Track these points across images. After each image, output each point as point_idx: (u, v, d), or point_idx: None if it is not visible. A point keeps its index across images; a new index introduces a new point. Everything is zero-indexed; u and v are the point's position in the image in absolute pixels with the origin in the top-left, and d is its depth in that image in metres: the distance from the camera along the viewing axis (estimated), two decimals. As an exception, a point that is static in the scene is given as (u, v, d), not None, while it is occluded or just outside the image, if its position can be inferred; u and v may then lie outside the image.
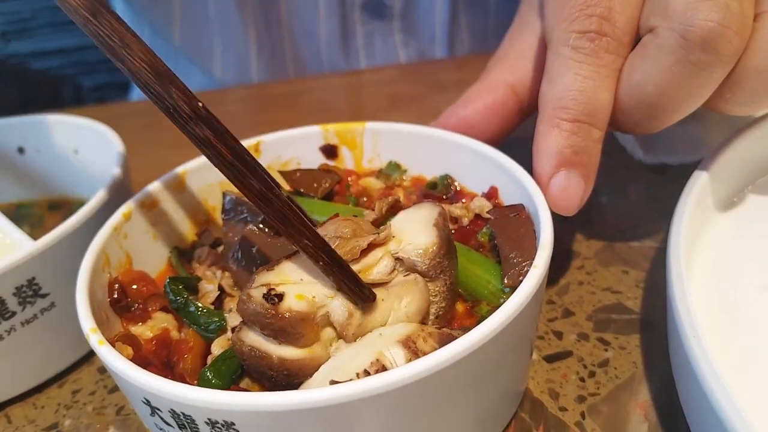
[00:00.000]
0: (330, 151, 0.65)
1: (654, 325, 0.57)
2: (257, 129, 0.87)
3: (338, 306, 0.43)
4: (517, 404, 0.51)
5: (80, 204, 0.76)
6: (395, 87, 1.11)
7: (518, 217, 0.52)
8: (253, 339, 0.44)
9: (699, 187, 0.56)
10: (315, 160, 0.65)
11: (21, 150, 0.77)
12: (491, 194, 0.57)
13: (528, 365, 0.52)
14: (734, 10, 0.46)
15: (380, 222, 0.52)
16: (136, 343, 0.48)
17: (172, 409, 0.39)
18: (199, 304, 0.50)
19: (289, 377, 0.43)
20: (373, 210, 0.54)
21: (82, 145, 0.75)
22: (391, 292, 0.45)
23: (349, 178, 0.64)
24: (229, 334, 0.49)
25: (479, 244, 0.54)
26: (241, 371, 0.46)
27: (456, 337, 0.43)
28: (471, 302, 0.50)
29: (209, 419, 0.38)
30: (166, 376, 0.46)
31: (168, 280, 0.52)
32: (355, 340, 0.43)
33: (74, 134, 0.75)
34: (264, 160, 0.64)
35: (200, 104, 0.39)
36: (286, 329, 0.42)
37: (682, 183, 0.57)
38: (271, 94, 1.11)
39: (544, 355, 0.56)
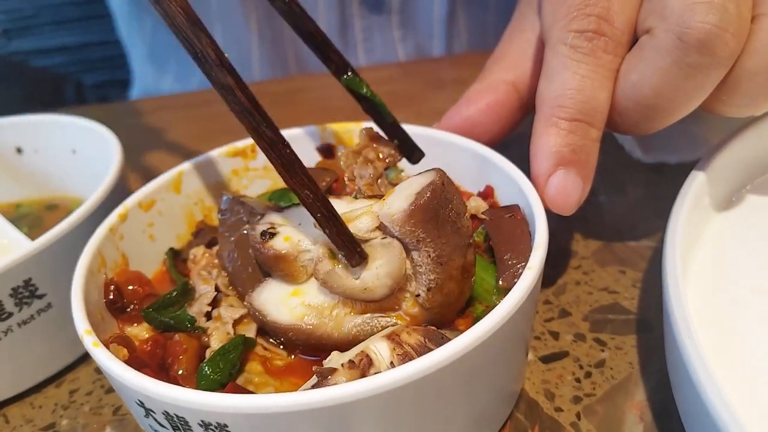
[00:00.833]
0: (327, 150, 0.65)
1: (650, 326, 0.57)
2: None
3: (318, 248, 0.47)
4: (512, 405, 0.51)
5: (78, 203, 0.76)
6: (394, 85, 1.11)
7: (513, 218, 0.52)
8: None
9: (696, 188, 0.56)
10: (312, 159, 0.64)
11: (19, 150, 0.77)
12: (487, 194, 0.57)
13: (523, 366, 0.52)
14: (731, 13, 0.46)
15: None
16: (131, 344, 0.48)
17: (165, 411, 0.39)
18: (178, 313, 0.51)
19: None
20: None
21: (80, 145, 0.75)
22: (366, 252, 0.45)
23: (345, 177, 0.64)
24: (228, 327, 0.49)
25: (475, 244, 0.54)
26: (240, 367, 0.46)
27: (442, 335, 0.44)
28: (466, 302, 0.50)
29: (202, 421, 0.38)
30: (161, 378, 0.46)
31: (143, 314, 0.51)
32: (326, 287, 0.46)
33: (72, 134, 0.75)
34: (262, 161, 0.64)
35: (226, 54, 0.42)
36: (267, 263, 0.48)
37: (680, 182, 0.57)
38: (271, 92, 1.11)
39: (540, 356, 0.56)
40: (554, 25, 0.53)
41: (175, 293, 0.52)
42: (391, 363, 0.42)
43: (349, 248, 0.44)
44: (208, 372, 0.45)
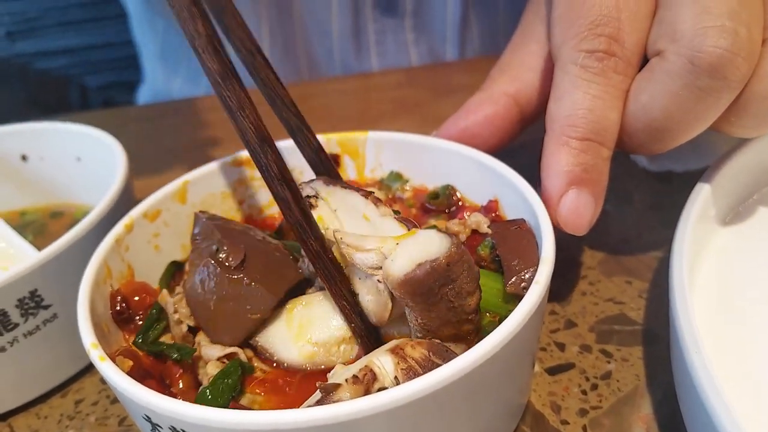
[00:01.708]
0: (332, 160, 0.65)
1: (657, 337, 0.57)
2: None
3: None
4: (518, 418, 0.51)
5: (83, 211, 0.76)
6: (401, 91, 1.10)
7: (519, 230, 0.52)
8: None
9: (702, 199, 0.56)
10: (317, 169, 0.64)
11: (24, 157, 0.78)
12: (491, 207, 0.57)
13: (530, 378, 0.52)
14: (743, 37, 0.46)
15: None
16: (136, 355, 0.49)
17: (172, 426, 0.39)
18: (165, 343, 0.51)
19: None
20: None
21: (84, 152, 0.75)
22: (366, 284, 0.47)
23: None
24: (213, 363, 0.48)
25: (480, 257, 0.54)
26: (240, 388, 0.46)
27: (446, 348, 0.44)
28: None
29: (209, 437, 0.38)
30: (164, 390, 0.46)
31: (133, 344, 0.51)
32: None
33: (77, 142, 0.75)
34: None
35: (286, 167, 0.47)
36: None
37: (687, 191, 0.57)
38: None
39: (546, 367, 0.55)
40: (564, 44, 0.53)
41: (154, 310, 0.52)
42: (395, 378, 0.42)
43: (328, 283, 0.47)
44: (209, 396, 0.44)
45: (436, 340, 0.44)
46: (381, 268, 0.45)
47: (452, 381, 0.38)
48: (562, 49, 0.54)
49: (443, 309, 0.44)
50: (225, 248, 0.50)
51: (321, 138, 0.64)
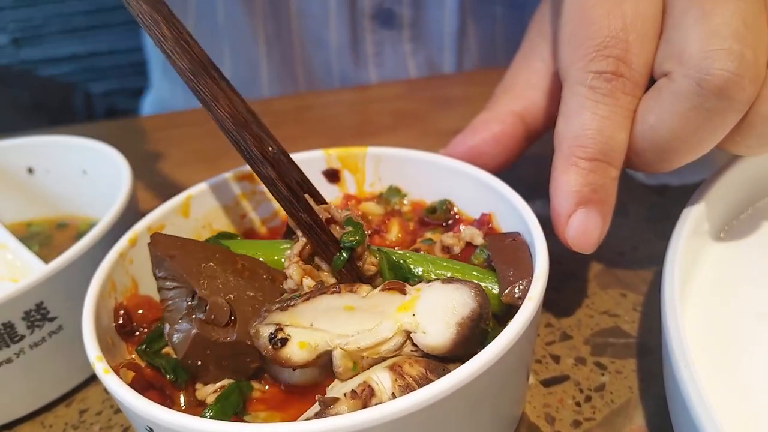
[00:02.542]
0: (332, 175, 0.66)
1: (650, 350, 0.58)
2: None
3: (337, 357, 0.45)
4: (513, 429, 0.52)
5: (88, 223, 0.78)
6: (401, 103, 1.12)
7: (514, 242, 0.53)
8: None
9: (696, 213, 0.57)
10: (318, 184, 0.65)
11: (30, 170, 0.79)
12: (485, 221, 0.58)
13: (525, 390, 0.53)
14: (749, 60, 0.47)
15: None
16: (137, 367, 0.50)
17: (175, 439, 0.40)
18: (165, 358, 0.51)
19: None
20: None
21: (90, 166, 0.76)
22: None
23: (348, 203, 0.65)
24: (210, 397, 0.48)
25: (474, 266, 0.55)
26: (243, 406, 0.47)
27: (444, 366, 0.45)
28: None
29: (211, 449, 0.39)
30: (165, 400, 0.47)
31: (136, 351, 0.52)
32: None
33: (83, 155, 0.76)
34: (268, 183, 0.66)
35: (270, 149, 0.49)
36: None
37: (682, 204, 0.58)
38: (277, 110, 1.12)
39: (542, 379, 0.57)
40: (572, 66, 0.54)
41: (161, 324, 0.52)
42: (393, 394, 0.43)
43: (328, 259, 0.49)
44: (211, 417, 0.45)
45: (434, 360, 0.46)
46: (405, 344, 0.46)
47: (448, 395, 0.39)
48: (571, 69, 0.54)
49: (475, 340, 0.46)
50: (207, 305, 0.47)
51: (321, 153, 0.66)
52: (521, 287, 0.48)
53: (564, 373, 0.57)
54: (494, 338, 0.42)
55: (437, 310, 0.46)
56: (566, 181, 0.53)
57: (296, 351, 0.45)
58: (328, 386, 0.46)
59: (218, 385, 0.48)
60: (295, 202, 0.49)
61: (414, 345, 0.46)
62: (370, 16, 1.17)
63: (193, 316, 0.48)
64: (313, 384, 0.48)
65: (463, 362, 0.42)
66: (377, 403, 0.42)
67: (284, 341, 0.45)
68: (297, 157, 0.65)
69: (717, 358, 0.50)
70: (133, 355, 0.52)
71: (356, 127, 1.06)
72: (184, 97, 1.31)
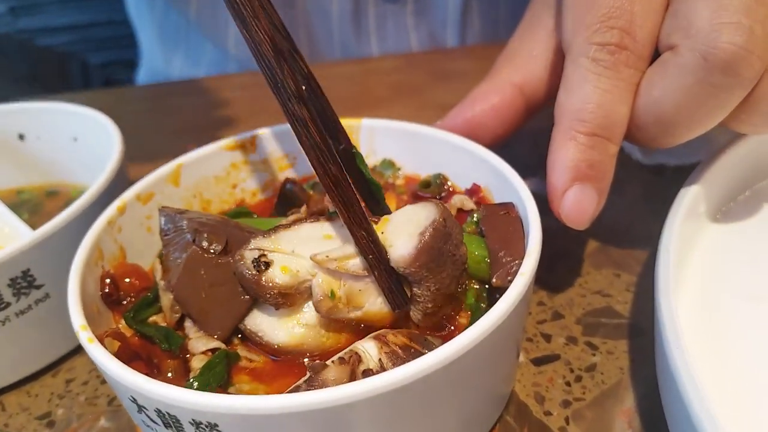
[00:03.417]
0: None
1: (642, 331, 0.57)
2: (256, 117, 0.87)
3: (317, 285, 0.46)
4: (502, 407, 0.52)
5: (78, 191, 0.77)
6: (400, 76, 1.10)
7: (508, 216, 0.52)
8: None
9: (692, 194, 0.56)
10: (311, 155, 0.65)
11: (21, 136, 0.78)
12: (474, 190, 0.57)
13: (514, 368, 0.52)
14: (758, 34, 0.46)
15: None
16: (123, 337, 0.49)
17: (157, 409, 0.40)
18: (155, 326, 0.51)
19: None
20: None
21: (81, 133, 0.75)
22: (369, 288, 0.46)
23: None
24: (200, 356, 0.48)
25: (466, 233, 0.54)
26: (228, 378, 0.46)
27: (425, 338, 0.45)
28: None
29: (193, 420, 0.39)
30: (151, 371, 0.47)
31: (123, 317, 0.51)
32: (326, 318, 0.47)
33: (74, 122, 0.75)
34: (261, 154, 0.65)
35: (304, 87, 0.43)
36: (265, 297, 0.46)
37: (679, 184, 0.58)
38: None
39: (532, 358, 0.56)
40: (576, 36, 0.53)
41: (151, 295, 0.52)
42: (380, 360, 0.43)
43: (395, 294, 0.46)
44: (196, 387, 0.45)
45: (415, 331, 0.46)
46: None
47: (437, 369, 0.38)
48: (574, 40, 0.53)
49: (449, 264, 0.46)
50: (205, 235, 0.49)
51: (315, 124, 0.64)
52: (512, 269, 0.47)
53: (555, 353, 0.56)
54: (484, 312, 0.41)
55: (404, 225, 0.46)
56: (564, 156, 0.52)
57: (279, 274, 0.46)
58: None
59: (210, 345, 0.48)
60: (325, 150, 0.44)
61: None
62: None
63: (192, 244, 0.49)
64: (296, 352, 0.48)
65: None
66: (364, 369, 0.42)
67: (267, 265, 0.46)
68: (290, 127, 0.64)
69: (709, 341, 0.50)
70: (120, 324, 0.51)
71: (353, 98, 1.05)
72: (181, 68, 1.30)
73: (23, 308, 0.55)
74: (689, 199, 0.56)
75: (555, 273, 0.64)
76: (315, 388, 0.41)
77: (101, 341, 0.44)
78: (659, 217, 0.55)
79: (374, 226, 0.47)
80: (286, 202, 0.60)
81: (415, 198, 0.61)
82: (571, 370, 0.55)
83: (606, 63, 0.51)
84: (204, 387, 0.45)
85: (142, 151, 0.89)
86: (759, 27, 0.46)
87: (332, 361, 0.43)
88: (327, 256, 0.46)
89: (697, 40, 0.47)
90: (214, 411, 0.37)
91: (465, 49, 1.22)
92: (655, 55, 0.53)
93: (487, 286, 0.51)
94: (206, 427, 0.39)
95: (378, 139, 0.64)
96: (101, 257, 0.53)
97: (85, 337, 0.43)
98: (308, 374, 0.42)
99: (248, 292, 0.47)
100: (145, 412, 0.41)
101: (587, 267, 0.65)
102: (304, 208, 0.55)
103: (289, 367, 0.48)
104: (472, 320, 0.48)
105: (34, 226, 0.65)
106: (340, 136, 0.53)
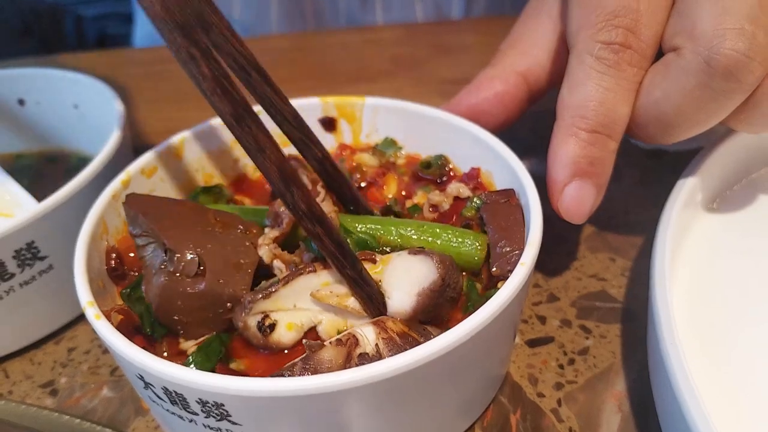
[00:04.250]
0: (329, 123, 0.65)
1: (635, 316, 0.59)
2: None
3: (322, 331, 0.48)
4: (497, 388, 0.53)
5: (78, 157, 0.77)
6: (400, 48, 1.10)
7: (509, 204, 0.53)
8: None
9: (690, 183, 0.57)
10: (314, 131, 0.65)
11: (21, 102, 0.77)
12: (473, 175, 0.58)
13: (511, 350, 0.54)
14: (760, 41, 0.47)
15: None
16: (126, 311, 0.50)
17: (164, 387, 0.41)
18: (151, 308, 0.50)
19: None
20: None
21: (82, 100, 0.75)
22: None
23: (343, 153, 0.65)
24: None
25: (466, 218, 0.55)
26: (225, 353, 0.47)
27: (424, 327, 0.46)
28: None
29: (200, 399, 0.40)
30: (150, 345, 0.48)
31: (120, 294, 0.52)
32: None
33: (75, 89, 0.75)
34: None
35: (315, 204, 0.45)
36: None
37: (676, 170, 0.59)
38: (274, 49, 1.10)
39: (527, 340, 0.57)
40: (581, 32, 0.53)
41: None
42: (377, 345, 0.44)
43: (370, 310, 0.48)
44: (195, 367, 0.45)
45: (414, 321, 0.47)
46: None
47: (437, 356, 0.40)
48: (579, 36, 0.54)
49: (446, 304, 0.48)
50: (176, 256, 0.47)
51: (318, 101, 0.65)
52: (512, 260, 0.48)
53: (549, 335, 0.58)
54: (480, 299, 0.42)
55: (401, 279, 0.47)
56: (565, 151, 0.53)
57: (285, 333, 0.48)
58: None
59: (199, 339, 0.48)
60: (341, 258, 0.46)
61: None
62: None
63: (164, 268, 0.48)
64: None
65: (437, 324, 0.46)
66: (361, 353, 0.43)
67: (272, 327, 0.47)
68: (294, 103, 0.64)
69: (701, 329, 0.51)
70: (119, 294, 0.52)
71: (354, 71, 1.04)
72: None
73: (27, 279, 0.56)
74: (687, 189, 0.57)
75: (552, 255, 0.65)
76: (311, 367, 0.42)
77: (107, 317, 0.44)
78: (656, 202, 0.56)
79: (371, 267, 0.48)
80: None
81: (416, 179, 0.62)
82: (565, 353, 0.56)
83: (610, 61, 0.52)
84: (203, 366, 0.46)
85: (142, 118, 0.90)
86: (761, 33, 0.47)
87: (330, 342, 0.44)
88: (330, 291, 0.47)
89: (700, 44, 0.48)
90: (221, 392, 0.39)
91: (468, 21, 1.21)
92: (659, 53, 0.53)
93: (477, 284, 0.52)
94: (212, 406, 0.40)
95: (381, 117, 0.64)
96: (106, 231, 0.53)
97: (92, 313, 0.44)
98: (306, 352, 0.44)
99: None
100: (151, 389, 0.42)
101: (583, 250, 0.66)
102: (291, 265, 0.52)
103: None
104: (468, 308, 0.49)
105: (33, 192, 0.65)
106: (358, 205, 0.56)
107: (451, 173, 0.62)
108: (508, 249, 0.50)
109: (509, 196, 0.54)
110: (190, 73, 0.43)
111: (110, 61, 1.16)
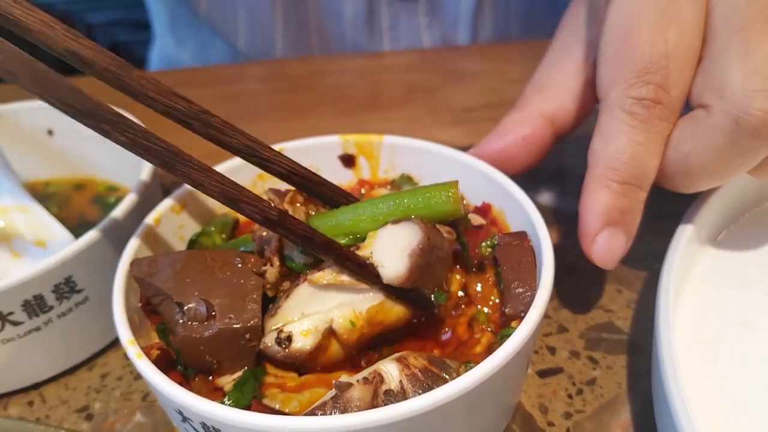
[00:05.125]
0: (348, 160, 0.68)
1: (640, 348, 0.62)
2: (274, 111, 0.89)
3: (337, 325, 0.51)
4: (510, 417, 0.56)
5: (104, 186, 0.80)
6: (413, 74, 1.13)
7: (521, 246, 0.56)
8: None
9: (697, 218, 0.61)
10: (334, 168, 0.68)
11: (50, 132, 0.81)
12: (485, 209, 0.62)
13: (524, 381, 0.57)
14: None
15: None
16: (162, 346, 0.53)
17: (203, 422, 0.44)
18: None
19: None
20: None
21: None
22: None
23: (362, 189, 0.68)
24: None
25: (480, 255, 0.58)
26: (259, 389, 0.50)
27: (444, 361, 0.49)
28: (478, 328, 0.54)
29: (236, 435, 0.43)
30: (186, 380, 0.51)
31: (155, 329, 0.55)
32: None
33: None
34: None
35: (273, 212, 0.49)
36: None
37: (681, 203, 0.62)
38: (290, 74, 1.13)
39: (538, 370, 0.60)
40: (612, 88, 0.56)
41: None
42: (400, 382, 0.47)
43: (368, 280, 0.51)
44: (230, 404, 0.48)
45: (435, 355, 0.50)
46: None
47: (457, 396, 0.43)
48: (611, 91, 0.56)
49: (438, 266, 0.51)
50: (186, 307, 0.50)
51: (338, 139, 0.68)
52: (525, 301, 0.51)
53: (558, 366, 0.61)
54: (500, 341, 0.45)
55: (390, 246, 0.50)
56: (597, 202, 0.56)
57: (303, 340, 0.50)
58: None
59: (234, 375, 0.51)
60: (315, 247, 0.50)
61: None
62: None
63: (179, 321, 0.51)
64: (316, 355, 0.52)
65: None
66: (386, 390, 0.46)
67: (289, 338, 0.50)
68: (314, 141, 0.68)
69: (703, 363, 0.54)
70: (154, 328, 0.55)
71: (368, 97, 1.07)
72: (191, 57, 1.32)
73: (64, 311, 0.59)
74: (694, 223, 0.60)
75: (561, 286, 0.68)
76: (340, 406, 0.45)
77: (147, 354, 0.48)
78: (661, 235, 0.59)
79: (360, 250, 0.51)
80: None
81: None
82: (573, 384, 0.59)
83: (641, 117, 0.54)
84: (239, 403, 0.49)
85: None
86: None
87: (357, 381, 0.47)
88: (323, 277, 0.51)
89: (729, 104, 0.51)
90: (257, 429, 0.42)
91: (478, 47, 1.24)
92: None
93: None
94: (249, 441, 0.43)
95: (398, 155, 0.67)
96: (140, 268, 0.56)
97: (134, 352, 0.47)
98: (334, 392, 0.47)
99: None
100: (190, 423, 0.45)
101: (591, 282, 0.69)
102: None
103: (316, 379, 0.52)
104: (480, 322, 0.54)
105: (62, 219, 0.69)
106: (347, 199, 0.58)
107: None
108: (521, 290, 0.53)
109: (522, 238, 0.57)
110: (115, 141, 0.47)
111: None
